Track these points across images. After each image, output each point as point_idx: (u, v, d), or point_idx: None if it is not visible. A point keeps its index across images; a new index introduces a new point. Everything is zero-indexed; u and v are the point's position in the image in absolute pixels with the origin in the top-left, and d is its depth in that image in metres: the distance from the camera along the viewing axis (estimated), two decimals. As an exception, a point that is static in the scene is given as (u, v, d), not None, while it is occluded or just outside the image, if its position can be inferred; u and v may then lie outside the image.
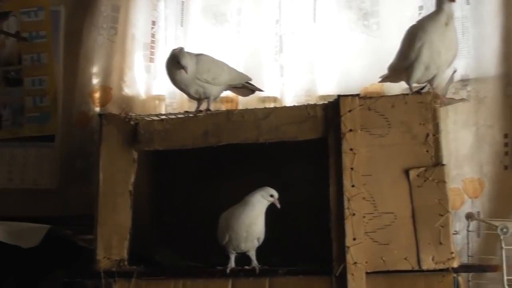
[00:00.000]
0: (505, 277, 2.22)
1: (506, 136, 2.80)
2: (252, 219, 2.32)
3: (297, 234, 2.61)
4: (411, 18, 2.77)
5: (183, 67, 2.45)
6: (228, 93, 2.84)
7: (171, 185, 2.86)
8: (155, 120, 2.45)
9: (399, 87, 2.67)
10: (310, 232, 2.48)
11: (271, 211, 2.36)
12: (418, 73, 2.34)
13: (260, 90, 2.75)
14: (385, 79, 2.58)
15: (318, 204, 2.31)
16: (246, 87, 2.71)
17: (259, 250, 2.37)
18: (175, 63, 2.47)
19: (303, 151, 2.46)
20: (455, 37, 2.36)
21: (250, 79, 2.70)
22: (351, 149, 2.24)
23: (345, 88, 2.80)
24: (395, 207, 2.20)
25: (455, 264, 2.15)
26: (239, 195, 2.38)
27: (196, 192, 2.82)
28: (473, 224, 2.67)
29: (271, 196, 2.32)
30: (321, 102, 2.39)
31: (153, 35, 3.19)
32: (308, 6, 3.04)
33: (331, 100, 2.34)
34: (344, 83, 2.96)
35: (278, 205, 2.33)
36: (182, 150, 2.41)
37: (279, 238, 2.42)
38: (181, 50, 2.48)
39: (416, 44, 2.31)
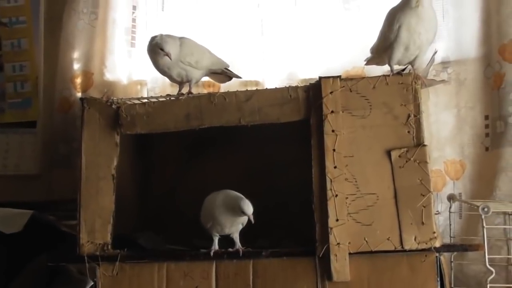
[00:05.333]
0: (487, 256, 2.24)
1: (486, 117, 2.82)
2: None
3: (283, 216, 2.63)
4: (392, 0, 2.78)
5: (167, 54, 2.45)
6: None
7: (155, 168, 2.86)
8: (137, 103, 2.44)
9: (380, 70, 2.67)
10: (295, 214, 2.48)
11: (256, 194, 2.36)
12: (398, 54, 2.35)
13: (238, 77, 2.75)
14: (369, 61, 2.59)
15: (302, 186, 2.31)
16: (224, 73, 2.70)
17: (246, 233, 2.37)
18: (158, 50, 2.47)
19: (287, 132, 2.46)
20: (433, 16, 2.36)
21: (228, 66, 2.69)
22: (333, 131, 2.25)
23: (327, 71, 2.79)
24: (378, 188, 2.21)
25: (438, 244, 2.16)
26: (223, 178, 2.38)
27: (179, 175, 2.83)
28: (455, 206, 2.68)
29: (243, 212, 2.26)
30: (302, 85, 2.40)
31: (134, 20, 3.18)
32: (289, -11, 3.05)
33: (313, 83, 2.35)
34: (326, 66, 2.97)
35: (252, 220, 2.27)
36: (165, 133, 2.41)
37: (265, 220, 2.43)
38: (162, 37, 2.48)
39: (394, 25, 2.32)
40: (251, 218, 2.26)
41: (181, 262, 2.31)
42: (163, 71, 2.53)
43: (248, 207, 2.25)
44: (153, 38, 2.50)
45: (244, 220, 2.33)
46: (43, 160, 3.23)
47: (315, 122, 2.28)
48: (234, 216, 2.29)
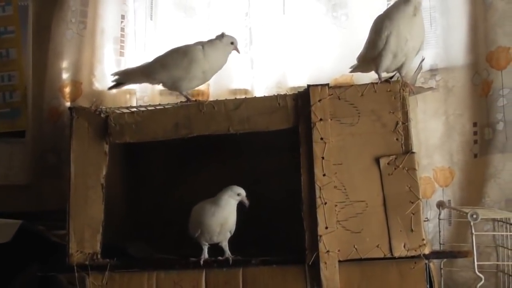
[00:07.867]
0: (476, 263, 2.24)
1: (475, 124, 2.83)
2: (224, 219, 2.33)
3: (272, 224, 2.62)
4: (379, 8, 2.78)
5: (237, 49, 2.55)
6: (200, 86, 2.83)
7: (144, 177, 2.86)
8: (126, 112, 2.43)
9: (368, 78, 2.68)
10: (285, 222, 2.47)
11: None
12: (387, 61, 2.35)
13: None
14: (355, 69, 2.59)
15: (292, 194, 2.31)
16: None
17: (236, 242, 2.37)
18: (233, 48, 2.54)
19: (275, 141, 2.47)
20: (422, 24, 2.37)
21: None
22: (321, 139, 2.25)
23: (315, 80, 2.78)
24: (367, 195, 2.22)
25: (427, 251, 2.16)
26: (212, 187, 2.37)
27: (169, 184, 2.82)
28: (444, 213, 2.69)
29: (238, 194, 2.32)
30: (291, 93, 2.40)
31: (122, 29, 3.19)
32: (277, -1, 3.06)
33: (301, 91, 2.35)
34: (315, 74, 2.98)
35: (247, 203, 2.32)
36: (154, 142, 2.41)
37: (255, 228, 2.43)
38: None
39: (383, 33, 2.32)
40: (245, 201, 2.31)
41: (171, 271, 2.31)
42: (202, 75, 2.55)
43: (241, 189, 2.31)
44: (229, 36, 2.55)
45: (231, 227, 2.35)
46: (32, 170, 3.23)
47: (303, 130, 2.28)
48: (230, 203, 2.32)
